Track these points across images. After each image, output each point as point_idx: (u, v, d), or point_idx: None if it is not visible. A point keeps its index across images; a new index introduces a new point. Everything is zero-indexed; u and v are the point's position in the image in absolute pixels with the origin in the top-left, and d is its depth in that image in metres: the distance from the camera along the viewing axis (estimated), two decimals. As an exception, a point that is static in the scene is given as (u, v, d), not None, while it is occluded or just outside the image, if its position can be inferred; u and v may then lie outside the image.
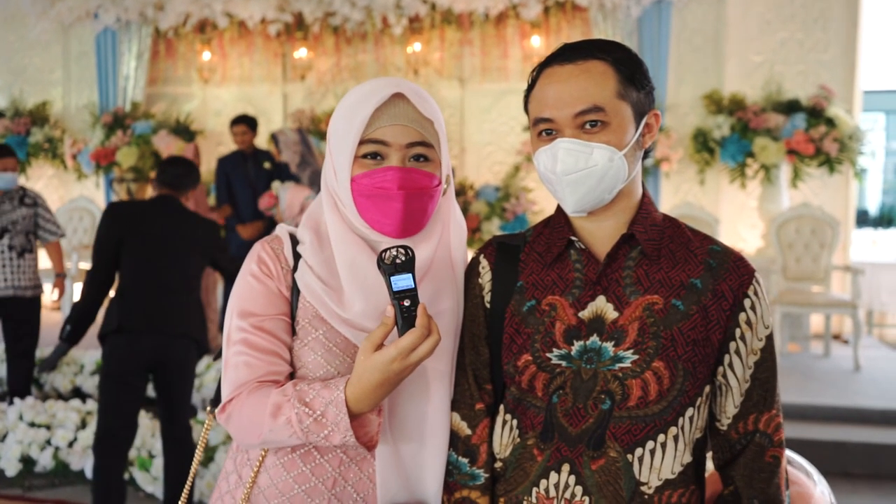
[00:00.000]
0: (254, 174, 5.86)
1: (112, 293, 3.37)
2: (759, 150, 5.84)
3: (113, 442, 3.16)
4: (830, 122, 5.85)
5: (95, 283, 3.29)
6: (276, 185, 5.04)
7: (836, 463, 4.18)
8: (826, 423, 4.48)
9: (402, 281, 1.16)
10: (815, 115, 5.90)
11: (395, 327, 1.16)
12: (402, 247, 1.18)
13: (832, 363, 5.61)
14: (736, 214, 6.55)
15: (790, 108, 5.97)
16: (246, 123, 5.93)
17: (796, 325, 5.97)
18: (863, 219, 11.90)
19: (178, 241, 3.37)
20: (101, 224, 3.36)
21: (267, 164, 5.88)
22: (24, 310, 4.47)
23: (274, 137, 5.54)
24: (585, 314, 1.24)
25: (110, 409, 3.17)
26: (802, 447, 4.05)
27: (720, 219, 6.08)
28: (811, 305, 5.54)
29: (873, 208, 14.17)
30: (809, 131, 5.81)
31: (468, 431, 1.32)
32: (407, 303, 1.16)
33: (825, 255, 5.75)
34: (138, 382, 3.23)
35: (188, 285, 3.38)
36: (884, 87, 11.09)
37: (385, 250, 1.17)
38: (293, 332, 1.31)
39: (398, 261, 1.17)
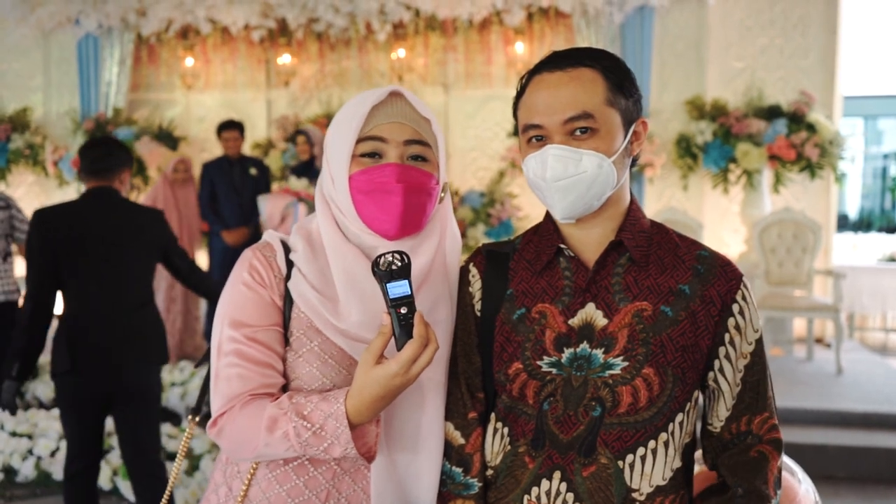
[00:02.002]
0: (239, 181, 5.82)
1: (58, 315, 2.97)
2: (741, 156, 5.89)
3: (82, 463, 2.98)
4: (811, 128, 5.91)
5: (37, 310, 2.86)
6: (284, 185, 5.05)
7: (817, 466, 4.20)
8: (808, 427, 4.51)
9: (398, 288, 1.13)
10: (796, 120, 5.96)
11: (392, 336, 1.14)
12: (397, 252, 1.15)
13: (815, 367, 5.66)
14: (719, 219, 6.60)
15: (771, 113, 6.02)
16: (237, 129, 5.89)
17: (779, 329, 6.01)
18: (843, 223, 12.03)
19: (125, 243, 2.96)
20: (31, 236, 2.88)
21: (253, 171, 5.86)
22: (9, 314, 4.41)
23: (304, 133, 5.56)
24: (575, 321, 1.25)
25: (74, 440, 2.97)
26: (785, 450, 4.07)
27: (703, 224, 6.11)
28: (794, 309, 5.59)
29: (853, 212, 14.33)
30: (791, 137, 5.86)
31: (462, 441, 1.32)
32: (404, 310, 1.13)
33: (807, 260, 5.80)
34: (97, 418, 2.97)
35: (143, 295, 3.05)
36: (862, 92, 11.22)
37: (380, 256, 1.14)
38: (286, 343, 1.28)
39: (394, 267, 1.13)
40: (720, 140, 5.98)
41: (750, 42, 6.50)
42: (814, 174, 5.96)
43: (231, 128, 5.88)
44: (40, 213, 2.91)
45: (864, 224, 13.81)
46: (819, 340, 6.56)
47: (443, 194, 1.34)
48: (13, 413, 2.99)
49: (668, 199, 6.54)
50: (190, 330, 5.80)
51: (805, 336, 6.02)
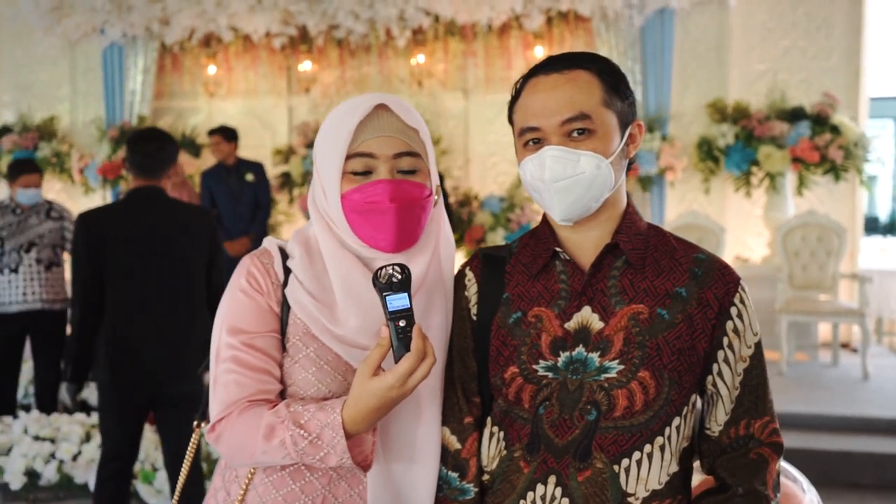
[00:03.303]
0: (237, 187, 5.84)
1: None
2: (763, 159, 5.82)
3: (116, 465, 2.96)
4: (835, 130, 5.83)
5: (85, 315, 2.81)
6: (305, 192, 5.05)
7: (843, 473, 4.14)
8: (834, 433, 4.43)
9: (398, 301, 1.14)
10: (820, 122, 5.88)
11: (391, 348, 1.15)
12: (397, 265, 1.16)
13: (840, 372, 5.57)
14: (741, 223, 6.52)
15: (794, 115, 5.94)
16: (219, 134, 5.88)
17: (804, 333, 5.93)
18: (872, 226, 11.80)
19: (174, 247, 2.86)
20: (76, 240, 2.83)
21: (249, 176, 5.88)
22: (52, 323, 4.52)
23: None
24: (571, 325, 1.24)
25: (112, 442, 2.94)
26: (810, 457, 4.01)
27: (726, 227, 6.05)
28: (818, 314, 5.50)
29: (883, 216, 14.06)
30: (814, 139, 5.78)
31: (458, 446, 1.31)
32: (402, 323, 1.14)
33: (832, 263, 5.70)
34: (138, 422, 2.95)
35: (193, 301, 2.93)
36: (892, 93, 11.02)
37: (381, 268, 1.15)
38: (283, 349, 1.29)
39: (394, 279, 1.15)
40: (742, 143, 5.91)
41: (772, 44, 6.43)
42: (838, 177, 5.87)
43: (212, 133, 5.91)
44: (85, 217, 2.85)
45: (894, 227, 13.53)
46: (845, 345, 6.45)
47: (436, 198, 1.33)
48: (71, 412, 3.04)
49: (689, 203, 6.48)
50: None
51: (830, 341, 5.92)
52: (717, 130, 6.00)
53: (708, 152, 6.07)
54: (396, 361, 1.14)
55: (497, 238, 6.17)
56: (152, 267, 2.83)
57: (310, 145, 6.76)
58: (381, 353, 1.15)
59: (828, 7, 6.33)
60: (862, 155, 5.86)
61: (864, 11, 6.27)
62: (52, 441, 3.97)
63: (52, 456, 3.89)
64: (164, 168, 2.90)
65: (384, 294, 1.14)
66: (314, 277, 1.28)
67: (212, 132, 5.97)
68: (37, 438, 4.00)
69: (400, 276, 1.15)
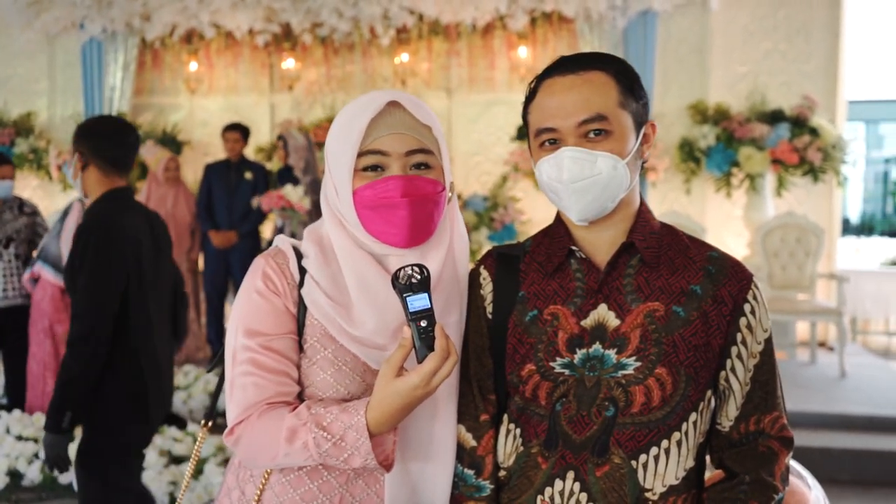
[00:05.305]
0: (234, 183, 5.94)
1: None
2: (744, 160, 5.89)
3: None
4: (814, 132, 5.91)
5: (100, 348, 2.24)
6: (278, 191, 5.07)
7: (822, 469, 4.16)
8: (812, 430, 4.50)
9: (418, 301, 1.14)
10: (799, 124, 5.96)
11: (413, 348, 1.15)
12: (416, 265, 1.16)
13: (818, 370, 5.66)
14: (722, 223, 6.60)
15: (774, 118, 6.02)
16: (240, 131, 6.02)
17: (782, 332, 6.00)
18: (844, 227, 12.01)
19: (167, 257, 2.54)
20: (101, 251, 2.27)
21: (248, 175, 5.95)
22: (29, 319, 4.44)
23: (282, 138, 5.59)
24: (587, 322, 1.25)
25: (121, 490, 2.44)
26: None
27: (706, 228, 6.11)
28: (797, 313, 5.58)
29: (854, 217, 14.32)
30: (793, 141, 5.86)
31: (473, 443, 1.32)
32: (424, 323, 1.14)
33: (810, 263, 5.80)
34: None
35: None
36: (864, 97, 11.21)
37: (400, 269, 1.15)
38: (301, 350, 1.28)
39: (413, 280, 1.15)
40: (723, 144, 5.98)
41: (753, 47, 6.51)
42: (816, 178, 5.96)
43: (233, 129, 6.02)
44: (113, 222, 2.35)
45: (865, 228, 13.79)
46: (822, 344, 6.55)
47: (450, 194, 1.33)
48: (63, 471, 2.33)
49: (670, 203, 6.54)
50: (192, 334, 5.83)
51: (808, 340, 6.02)
52: (699, 132, 6.06)
53: (689, 153, 6.14)
54: (419, 361, 1.14)
55: (481, 237, 6.18)
56: (159, 280, 2.47)
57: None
58: (404, 353, 1.15)
59: (807, 11, 6.42)
60: (839, 157, 5.95)
61: (842, 16, 6.37)
62: (36, 441, 3.92)
63: (36, 456, 3.85)
64: (131, 164, 2.47)
65: (404, 295, 1.14)
66: (330, 278, 1.27)
67: (228, 128, 6.02)
68: (20, 438, 3.95)
69: (419, 277, 1.15)
